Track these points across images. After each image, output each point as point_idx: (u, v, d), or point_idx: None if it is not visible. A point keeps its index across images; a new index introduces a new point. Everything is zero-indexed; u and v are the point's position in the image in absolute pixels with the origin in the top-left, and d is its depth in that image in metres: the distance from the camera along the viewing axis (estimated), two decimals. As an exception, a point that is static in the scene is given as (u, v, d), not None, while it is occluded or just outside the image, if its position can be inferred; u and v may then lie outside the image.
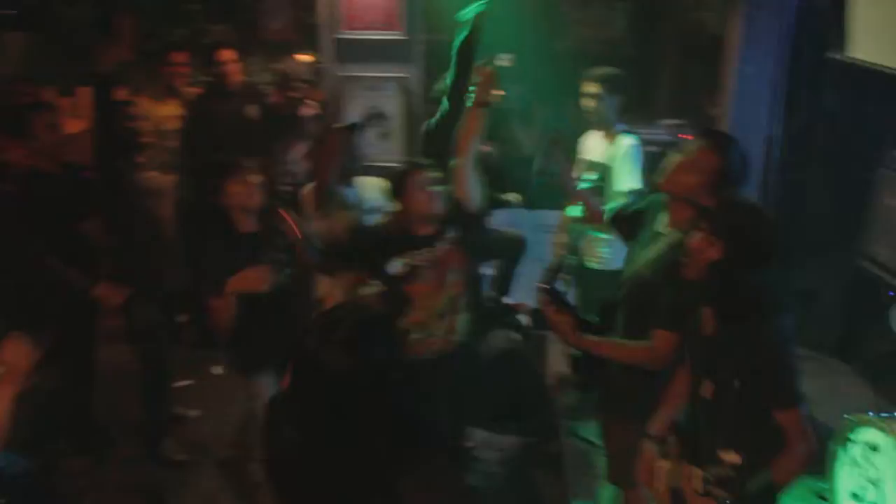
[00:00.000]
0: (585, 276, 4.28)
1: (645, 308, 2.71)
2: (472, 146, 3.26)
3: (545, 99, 5.69)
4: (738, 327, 2.34)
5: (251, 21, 6.61)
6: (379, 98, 4.01)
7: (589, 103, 4.18)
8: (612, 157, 4.12)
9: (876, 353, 4.57)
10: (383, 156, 5.07)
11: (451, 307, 3.30)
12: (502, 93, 3.32)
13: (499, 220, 4.78)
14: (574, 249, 4.41)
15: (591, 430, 3.87)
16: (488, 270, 4.74)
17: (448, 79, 3.96)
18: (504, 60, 3.49)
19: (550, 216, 4.80)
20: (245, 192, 3.39)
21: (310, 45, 5.90)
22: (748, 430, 2.36)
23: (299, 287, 3.56)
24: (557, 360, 4.64)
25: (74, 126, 5.32)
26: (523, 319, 4.80)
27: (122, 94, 4.05)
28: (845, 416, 3.37)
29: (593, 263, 4.26)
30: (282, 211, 3.53)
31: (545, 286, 2.79)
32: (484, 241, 3.78)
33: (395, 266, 3.24)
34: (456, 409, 3.36)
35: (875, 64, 4.05)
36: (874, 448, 3.23)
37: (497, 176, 4.30)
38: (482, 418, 3.64)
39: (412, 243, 3.25)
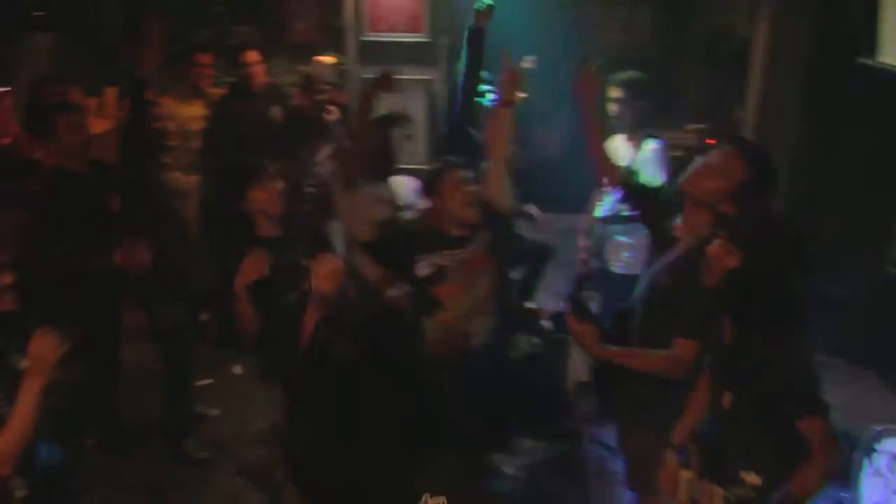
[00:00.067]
0: (609, 281, 4.25)
1: (663, 315, 2.68)
2: (504, 146, 3.24)
3: (569, 102, 5.67)
4: (757, 336, 2.31)
5: (276, 23, 6.65)
6: (403, 100, 4.01)
7: (613, 107, 4.16)
8: (637, 161, 4.09)
9: (903, 362, 4.51)
10: (407, 158, 5.06)
11: (478, 310, 3.26)
12: (524, 95, 3.31)
13: (524, 224, 4.76)
14: (598, 254, 4.39)
15: (611, 436, 3.84)
16: (514, 275, 4.72)
17: (460, 69, 3.96)
18: (528, 62, 3.49)
19: (574, 220, 4.77)
20: (267, 198, 3.37)
21: (334, 47, 5.93)
22: (770, 440, 2.33)
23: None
24: (579, 366, 4.61)
25: (100, 126, 5.37)
26: (546, 324, 4.78)
27: (149, 94, 4.10)
28: (871, 425, 3.32)
29: (617, 268, 4.23)
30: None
31: (571, 296, 2.77)
32: (512, 245, 3.75)
33: (424, 265, 3.21)
34: (475, 411, 3.34)
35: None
36: (901, 459, 3.19)
37: (519, 180, 4.28)
38: (502, 422, 3.62)
39: (443, 243, 3.22)
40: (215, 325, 5.06)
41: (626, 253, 4.16)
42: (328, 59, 5.63)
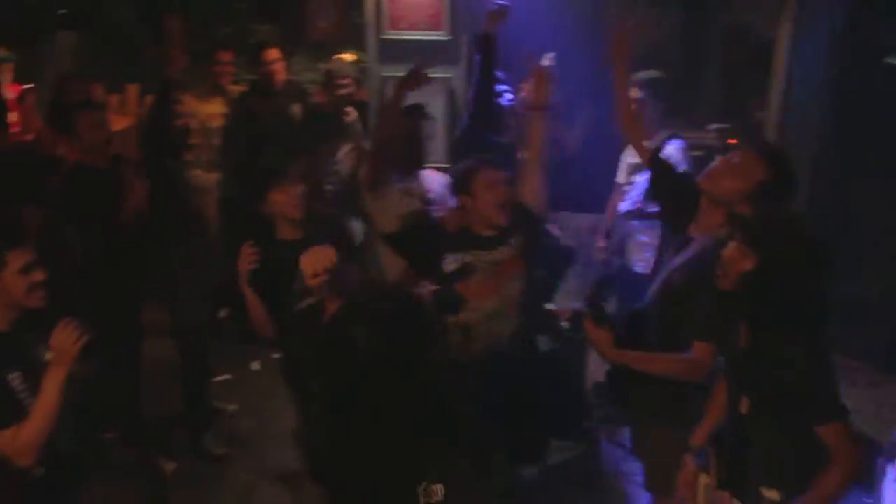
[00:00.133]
0: (630, 281, 4.22)
1: (677, 316, 2.66)
2: (540, 150, 3.17)
3: (589, 101, 5.64)
4: (773, 341, 2.28)
5: (297, 20, 6.67)
6: (423, 98, 4.00)
7: (634, 107, 4.13)
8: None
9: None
10: (427, 156, 5.06)
11: (505, 313, 3.18)
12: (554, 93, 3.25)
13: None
14: (619, 252, 4.37)
15: (628, 437, 3.82)
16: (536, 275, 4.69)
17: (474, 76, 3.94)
18: (546, 59, 3.46)
19: (592, 219, 4.75)
20: (288, 200, 3.33)
21: (355, 44, 5.93)
22: (789, 446, 2.30)
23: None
24: (597, 366, 4.59)
25: (121, 122, 5.42)
26: (564, 325, 4.76)
27: (173, 93, 4.14)
28: (894, 430, 3.28)
29: (638, 267, 4.21)
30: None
31: (589, 301, 2.74)
32: (542, 247, 3.64)
33: (451, 260, 3.13)
34: (491, 411, 3.31)
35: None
36: (923, 464, 3.14)
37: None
38: (517, 422, 3.59)
39: (472, 243, 3.14)
40: (234, 321, 5.09)
41: (648, 252, 4.14)
42: (348, 57, 5.64)
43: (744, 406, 2.36)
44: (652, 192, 3.20)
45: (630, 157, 4.28)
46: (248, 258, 3.14)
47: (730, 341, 2.42)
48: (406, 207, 3.70)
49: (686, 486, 2.60)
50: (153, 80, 4.53)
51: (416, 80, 3.67)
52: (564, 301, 4.77)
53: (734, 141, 4.82)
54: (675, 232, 2.88)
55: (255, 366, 4.97)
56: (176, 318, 4.34)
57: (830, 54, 4.75)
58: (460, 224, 3.20)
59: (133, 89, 6.08)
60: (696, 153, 4.18)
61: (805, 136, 4.81)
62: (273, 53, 5.05)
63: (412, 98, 3.79)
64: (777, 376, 2.24)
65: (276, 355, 3.65)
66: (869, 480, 3.31)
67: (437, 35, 5.16)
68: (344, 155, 4.90)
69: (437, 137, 5.29)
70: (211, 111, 5.12)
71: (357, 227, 4.12)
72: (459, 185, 3.17)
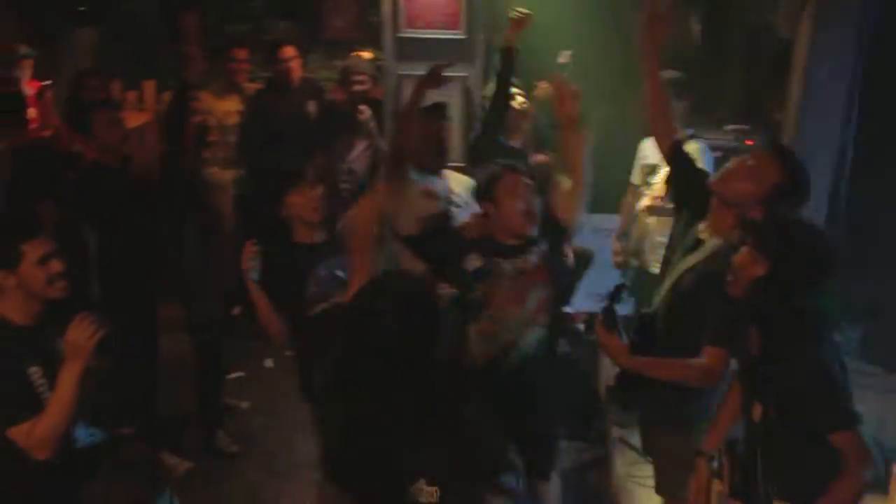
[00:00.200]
0: (647, 282, 4.19)
1: (686, 320, 2.63)
2: (581, 166, 3.05)
3: (608, 102, 5.62)
4: (784, 347, 2.26)
5: (313, 18, 6.68)
6: (439, 97, 3.97)
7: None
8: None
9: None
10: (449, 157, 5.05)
11: (529, 323, 3.02)
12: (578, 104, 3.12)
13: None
14: (636, 254, 4.34)
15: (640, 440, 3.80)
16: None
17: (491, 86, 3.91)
18: (564, 57, 3.42)
19: (605, 220, 4.72)
20: (305, 204, 3.29)
21: (371, 43, 5.93)
22: (802, 453, 2.27)
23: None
24: (611, 369, 4.57)
25: (138, 119, 5.44)
26: (580, 327, 4.75)
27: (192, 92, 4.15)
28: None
29: (655, 269, 4.18)
30: None
31: (604, 308, 2.70)
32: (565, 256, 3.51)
33: (473, 259, 3.00)
34: (508, 413, 3.26)
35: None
36: (940, 472, 3.10)
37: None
38: (531, 424, 3.57)
39: (495, 251, 3.00)
40: (247, 318, 5.10)
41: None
42: (365, 55, 5.65)
43: (757, 413, 2.34)
44: (670, 186, 3.15)
45: (645, 157, 4.24)
46: (248, 255, 3.14)
47: (742, 347, 2.40)
48: (427, 209, 3.61)
49: (698, 492, 2.58)
50: (170, 76, 4.55)
51: (436, 79, 3.61)
52: (579, 302, 4.75)
53: (751, 142, 4.78)
54: (684, 230, 2.84)
55: (269, 363, 4.98)
56: (191, 314, 4.36)
57: (852, 56, 4.70)
58: (483, 232, 3.08)
59: (150, 86, 6.11)
60: (715, 154, 4.14)
61: (824, 139, 4.75)
62: (289, 51, 5.06)
63: (428, 98, 3.74)
64: (789, 383, 2.22)
65: (289, 353, 3.64)
66: (882, 488, 3.28)
67: (454, 34, 5.14)
68: (359, 154, 4.90)
69: (453, 137, 5.29)
70: (227, 108, 5.13)
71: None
72: (482, 192, 3.05)
